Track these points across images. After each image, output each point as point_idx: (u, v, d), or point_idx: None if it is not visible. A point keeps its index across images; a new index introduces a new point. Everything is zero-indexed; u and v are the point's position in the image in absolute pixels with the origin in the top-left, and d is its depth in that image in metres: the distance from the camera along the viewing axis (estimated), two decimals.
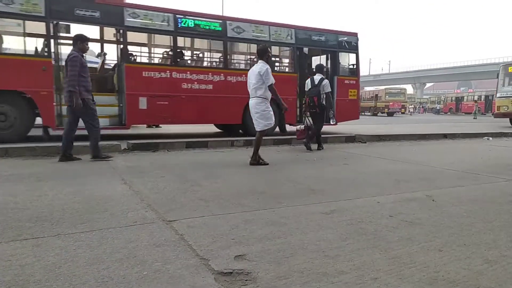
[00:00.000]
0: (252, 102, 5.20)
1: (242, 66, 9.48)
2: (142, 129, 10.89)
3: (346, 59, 10.41)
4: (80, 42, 5.29)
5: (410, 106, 44.30)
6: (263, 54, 5.20)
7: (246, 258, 1.97)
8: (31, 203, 2.97)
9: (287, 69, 10.50)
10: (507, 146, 8.16)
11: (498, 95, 15.89)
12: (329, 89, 7.15)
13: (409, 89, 63.19)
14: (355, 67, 10.44)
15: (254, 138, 5.34)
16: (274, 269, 1.84)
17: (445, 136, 9.87)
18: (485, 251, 2.10)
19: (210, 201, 3.10)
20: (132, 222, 2.52)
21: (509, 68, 15.61)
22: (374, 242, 2.21)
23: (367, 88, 48.25)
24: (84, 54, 5.40)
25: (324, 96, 7.04)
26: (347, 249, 2.11)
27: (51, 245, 2.11)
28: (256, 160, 5.13)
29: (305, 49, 10.20)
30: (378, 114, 33.81)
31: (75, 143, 5.44)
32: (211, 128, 10.61)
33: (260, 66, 5.08)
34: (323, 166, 5.21)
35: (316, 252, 2.05)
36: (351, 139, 8.66)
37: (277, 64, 10.32)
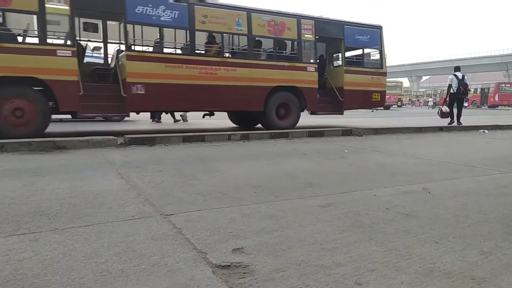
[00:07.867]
0: None
1: None
2: (141, 124, 10.85)
3: None
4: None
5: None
6: None
7: (244, 251, 1.98)
8: (28, 198, 2.96)
9: None
10: (503, 139, 8.21)
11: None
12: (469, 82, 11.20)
13: (406, 82, 63.33)
14: None
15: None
16: (271, 261, 1.85)
17: (441, 129, 9.91)
18: (480, 243, 2.12)
19: (207, 195, 3.11)
20: (130, 216, 2.53)
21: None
22: (370, 235, 2.23)
23: None
24: None
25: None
26: (344, 241, 2.12)
27: (49, 239, 2.11)
28: None
29: None
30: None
31: None
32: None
33: None
34: (320, 160, 5.22)
35: (313, 245, 2.06)
36: (347, 132, 8.68)
37: None
